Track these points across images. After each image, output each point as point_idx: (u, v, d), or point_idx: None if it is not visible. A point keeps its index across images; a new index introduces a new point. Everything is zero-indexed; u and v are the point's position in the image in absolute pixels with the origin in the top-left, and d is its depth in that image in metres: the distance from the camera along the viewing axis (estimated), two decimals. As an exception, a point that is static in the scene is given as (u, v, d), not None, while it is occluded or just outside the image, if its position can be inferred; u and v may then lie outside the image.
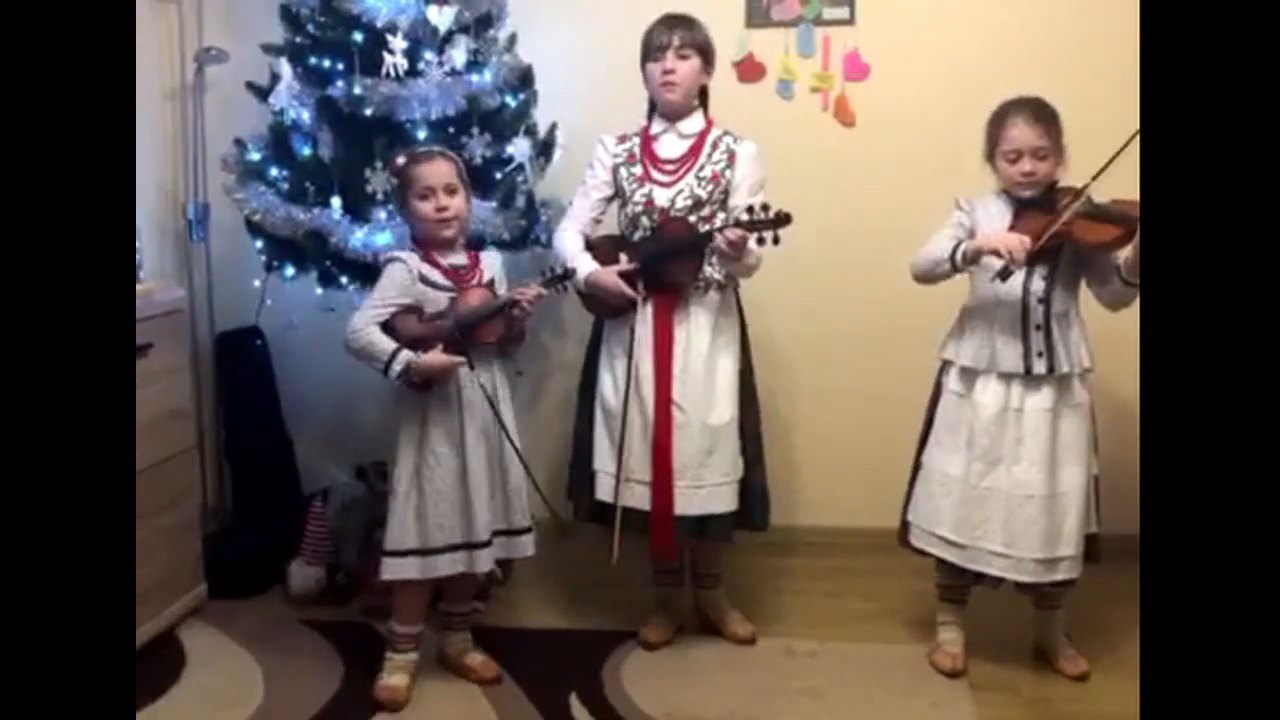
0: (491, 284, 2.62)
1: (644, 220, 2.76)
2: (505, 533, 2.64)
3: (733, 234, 2.58)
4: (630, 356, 2.71)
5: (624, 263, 2.72)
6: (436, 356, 2.49)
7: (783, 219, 2.53)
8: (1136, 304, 2.42)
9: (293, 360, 3.60)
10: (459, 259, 2.62)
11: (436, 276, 2.57)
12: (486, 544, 2.58)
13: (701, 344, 2.74)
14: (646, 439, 2.70)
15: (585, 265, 2.73)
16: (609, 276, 2.70)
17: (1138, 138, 2.21)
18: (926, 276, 2.67)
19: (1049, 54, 3.26)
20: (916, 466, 2.78)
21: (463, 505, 2.56)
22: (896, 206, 3.21)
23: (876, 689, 2.70)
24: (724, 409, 2.75)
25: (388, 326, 2.53)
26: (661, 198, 2.74)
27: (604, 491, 2.78)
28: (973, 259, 2.55)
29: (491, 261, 2.67)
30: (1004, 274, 2.48)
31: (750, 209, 2.57)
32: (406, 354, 2.48)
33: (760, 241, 2.58)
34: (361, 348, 2.52)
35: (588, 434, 2.84)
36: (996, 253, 2.48)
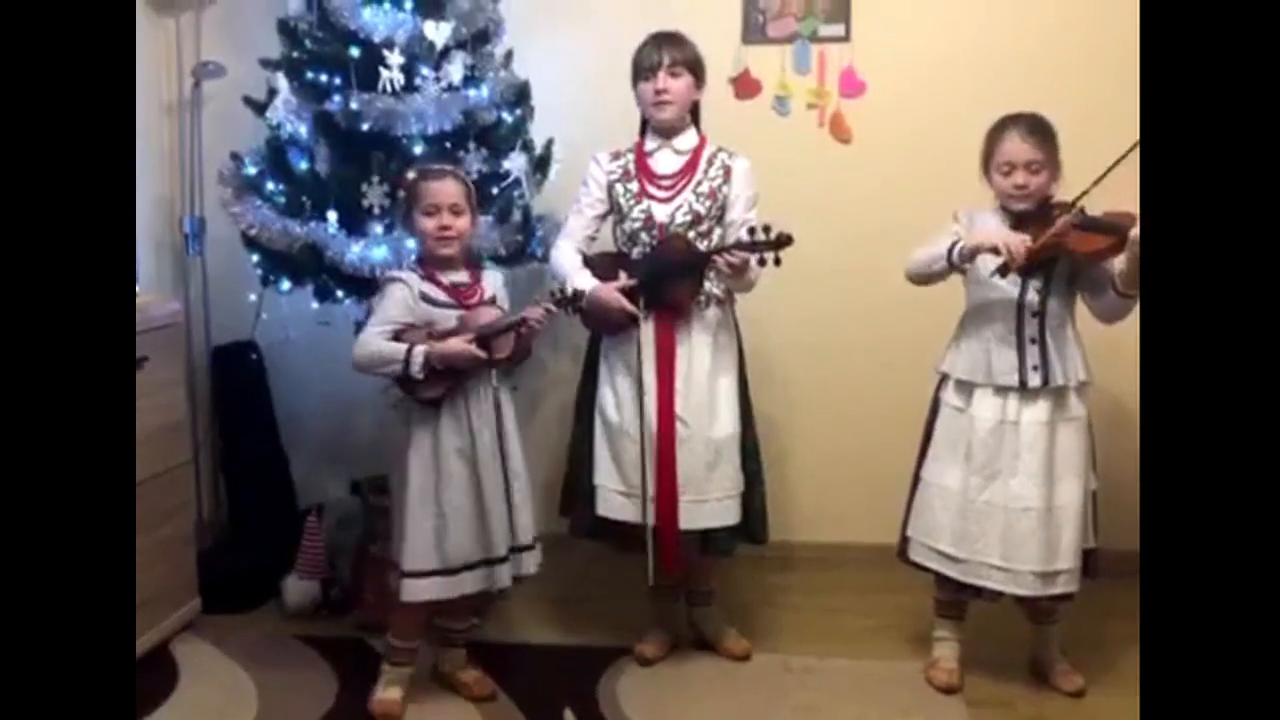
0: (494, 301, 2.62)
1: (643, 236, 2.77)
2: (511, 549, 2.64)
3: (735, 258, 2.59)
4: (640, 375, 2.71)
5: (624, 279, 2.72)
6: (456, 343, 2.48)
7: (784, 240, 2.54)
8: (1133, 317, 2.42)
9: (288, 374, 3.60)
10: (460, 276, 2.61)
11: (439, 294, 2.57)
12: (504, 559, 2.58)
13: (703, 359, 2.75)
14: (651, 454, 2.70)
15: (585, 282, 2.73)
16: (610, 293, 2.70)
17: (1132, 153, 2.22)
18: (921, 275, 2.66)
19: (1045, 71, 3.27)
20: (915, 481, 2.78)
21: (478, 521, 2.56)
22: (892, 222, 3.21)
23: (872, 705, 2.69)
24: (726, 422, 2.76)
25: None
26: (660, 213, 2.75)
27: (606, 507, 2.78)
28: (969, 256, 2.55)
29: (493, 280, 2.67)
30: (1003, 270, 2.49)
31: (752, 230, 2.58)
32: (422, 346, 2.48)
33: (761, 263, 2.59)
34: (372, 354, 2.52)
35: (587, 449, 2.83)
36: (996, 250, 2.49)
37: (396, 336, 2.53)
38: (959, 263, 2.58)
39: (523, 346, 2.59)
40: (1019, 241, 2.47)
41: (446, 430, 2.56)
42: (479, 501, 2.56)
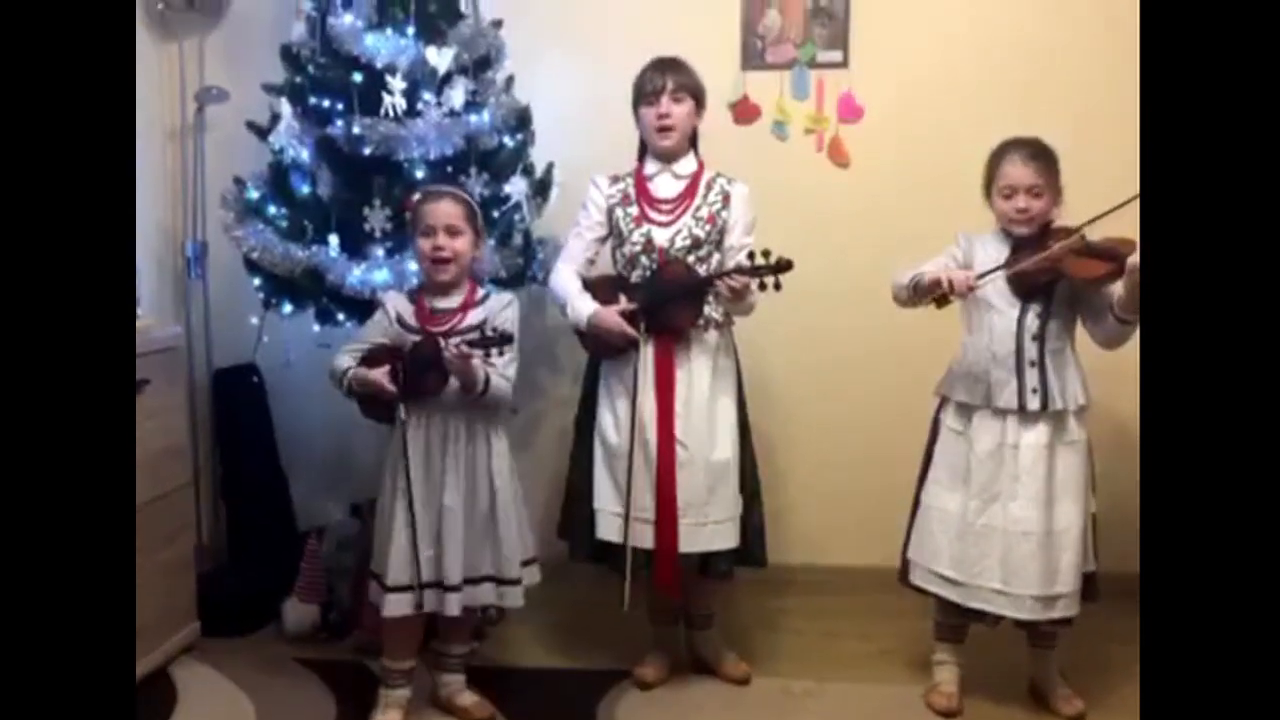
0: (477, 329, 2.54)
1: (643, 260, 2.78)
2: (496, 580, 2.63)
3: (736, 281, 2.60)
4: (635, 397, 2.72)
5: (624, 303, 2.74)
6: (371, 371, 2.54)
7: (784, 265, 2.56)
8: (1133, 341, 2.43)
9: (289, 397, 3.60)
10: (449, 302, 2.62)
11: (411, 319, 2.60)
12: (456, 588, 2.55)
13: (703, 382, 2.75)
14: (650, 477, 2.71)
15: (586, 306, 2.74)
16: (611, 317, 2.71)
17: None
18: (897, 300, 2.71)
19: (1042, 95, 3.30)
20: (915, 504, 2.78)
21: (408, 547, 2.54)
22: (889, 247, 3.22)
23: (872, 729, 2.69)
24: (725, 446, 2.77)
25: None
26: (660, 237, 2.76)
27: (606, 531, 2.78)
28: (924, 292, 2.60)
29: (490, 308, 2.63)
30: (939, 300, 2.55)
31: (752, 254, 2.60)
32: (354, 370, 2.57)
33: (762, 287, 2.60)
34: (331, 369, 2.63)
35: (587, 473, 2.83)
36: (938, 283, 2.54)
37: (372, 356, 2.58)
38: (913, 295, 2.63)
39: (466, 382, 2.51)
40: (963, 279, 2.53)
41: (390, 455, 2.61)
42: (410, 529, 2.54)
